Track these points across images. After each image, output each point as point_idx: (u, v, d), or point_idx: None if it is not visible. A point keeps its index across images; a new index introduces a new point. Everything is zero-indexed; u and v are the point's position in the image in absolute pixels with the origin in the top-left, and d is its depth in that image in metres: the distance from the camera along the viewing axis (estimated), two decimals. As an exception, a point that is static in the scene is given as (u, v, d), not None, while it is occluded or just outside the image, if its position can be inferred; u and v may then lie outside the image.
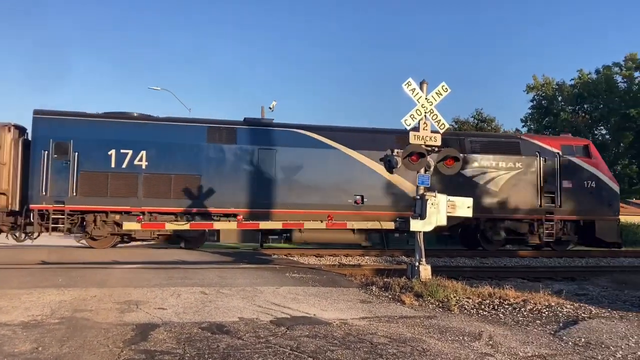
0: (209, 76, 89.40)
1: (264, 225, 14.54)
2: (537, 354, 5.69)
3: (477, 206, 18.33)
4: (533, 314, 7.82)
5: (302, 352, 5.35)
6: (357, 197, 17.97)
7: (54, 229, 16.21)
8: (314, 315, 7.25)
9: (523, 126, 43.23)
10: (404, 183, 17.87)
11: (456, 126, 40.48)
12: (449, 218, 18.20)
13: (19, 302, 7.51)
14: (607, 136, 39.18)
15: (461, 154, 18.40)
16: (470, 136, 20.77)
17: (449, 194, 18.30)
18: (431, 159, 10.64)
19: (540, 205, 19.17)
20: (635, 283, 10.92)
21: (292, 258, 15.71)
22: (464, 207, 10.45)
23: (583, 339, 6.32)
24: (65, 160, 16.40)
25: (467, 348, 5.79)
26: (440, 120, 10.76)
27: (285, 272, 11.63)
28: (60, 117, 17.04)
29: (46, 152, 16.31)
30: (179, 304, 7.61)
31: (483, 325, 6.99)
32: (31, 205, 16.14)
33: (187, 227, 13.04)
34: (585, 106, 40.47)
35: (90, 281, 9.54)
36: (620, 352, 5.80)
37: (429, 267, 10.23)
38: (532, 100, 42.95)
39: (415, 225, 10.24)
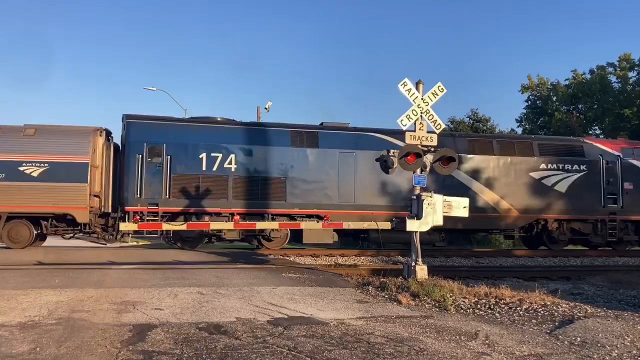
0: (206, 76, 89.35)
1: (260, 225, 14.56)
2: (533, 353, 5.73)
3: (545, 206, 19.40)
4: (529, 313, 7.86)
5: (299, 352, 5.36)
6: None
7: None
8: (311, 315, 7.27)
9: (518, 126, 43.33)
10: (477, 185, 18.91)
11: (452, 126, 40.54)
12: (517, 218, 18.87)
13: (16, 302, 7.50)
14: (602, 136, 39.24)
15: (530, 157, 19.46)
16: (538, 140, 21.25)
17: (520, 195, 19.26)
18: (427, 159, 10.67)
19: (604, 206, 19.69)
20: (630, 282, 10.98)
21: (288, 258, 15.72)
22: (460, 207, 10.48)
23: (579, 338, 6.36)
24: (159, 163, 16.89)
25: (464, 347, 5.82)
26: (436, 120, 10.80)
27: (282, 272, 11.64)
28: (152, 121, 17.65)
29: (140, 155, 16.80)
30: (176, 305, 7.62)
31: (479, 325, 7.02)
32: (127, 208, 16.58)
33: (184, 227, 13.01)
34: (580, 106, 40.56)
35: (86, 282, 9.53)
36: (616, 351, 5.85)
37: (425, 267, 10.27)
38: (526, 101, 43.07)
39: (412, 225, 10.28)
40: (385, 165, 10.89)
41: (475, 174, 19.00)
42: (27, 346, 5.36)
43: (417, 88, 10.70)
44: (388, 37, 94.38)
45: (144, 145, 16.90)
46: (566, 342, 6.21)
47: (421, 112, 10.62)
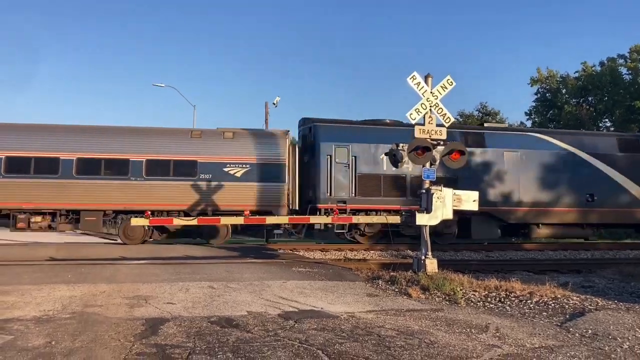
0: (209, 74, 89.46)
1: (270, 220, 14.62)
2: (544, 345, 5.73)
3: None
4: (539, 306, 7.85)
5: (310, 345, 5.40)
6: (587, 195, 19.64)
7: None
8: (322, 308, 7.31)
9: (527, 119, 43.09)
10: (627, 182, 19.82)
11: (461, 120, 40.40)
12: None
13: (30, 297, 7.60)
14: (612, 129, 38.95)
15: None
16: None
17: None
18: (436, 153, 10.65)
19: None
20: (642, 275, 10.92)
21: (298, 253, 15.78)
22: (469, 200, 10.49)
23: (590, 331, 6.36)
24: (345, 163, 18.06)
25: (475, 340, 5.84)
26: (445, 114, 10.78)
27: (292, 266, 11.70)
28: (337, 124, 18.90)
29: (329, 156, 17.97)
30: (188, 299, 7.69)
31: (490, 318, 7.03)
32: (319, 205, 17.67)
33: (194, 222, 13.09)
34: (590, 99, 40.22)
35: (99, 277, 9.63)
36: (628, 343, 5.84)
37: (435, 261, 10.28)
38: (536, 93, 42.73)
39: (421, 219, 10.29)
40: (394, 159, 10.90)
41: (625, 171, 19.90)
42: (43, 340, 5.43)
43: (426, 82, 10.68)
44: (391, 33, 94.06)
45: (332, 146, 18.04)
46: (577, 335, 6.20)
47: (430, 106, 10.60)
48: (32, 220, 16.58)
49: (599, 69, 39.88)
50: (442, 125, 10.82)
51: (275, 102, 31.50)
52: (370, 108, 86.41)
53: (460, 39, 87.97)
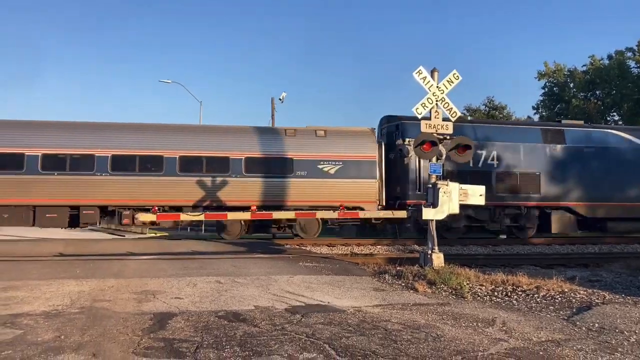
0: (215, 71, 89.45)
1: (276, 215, 14.67)
2: (550, 339, 5.73)
3: None
4: (546, 300, 7.85)
5: (317, 339, 5.43)
6: None
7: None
8: (328, 303, 7.33)
9: (535, 113, 42.88)
10: None
11: (467, 114, 40.27)
12: None
13: (39, 292, 7.66)
14: (620, 122, 38.68)
15: None
16: None
17: None
18: (442, 147, 10.63)
19: None
20: (650, 269, 10.88)
21: (304, 248, 15.80)
22: (476, 195, 10.47)
23: (597, 324, 6.35)
24: None
25: (481, 334, 5.84)
26: (452, 108, 10.76)
27: (299, 261, 11.73)
28: (422, 122, 18.94)
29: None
30: (195, 293, 7.73)
31: (496, 312, 7.03)
32: (407, 201, 18.06)
33: (201, 217, 13.16)
34: (598, 92, 39.96)
35: (107, 272, 9.70)
36: (635, 337, 5.83)
37: (441, 255, 10.29)
38: (543, 87, 42.50)
39: (427, 213, 10.28)
40: (400, 153, 10.88)
41: None
42: (52, 334, 5.49)
43: (432, 76, 10.66)
44: (398, 26, 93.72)
45: None
46: (584, 328, 6.20)
47: (436, 100, 10.58)
48: (136, 216, 16.94)
49: (606, 62, 39.57)
50: (448, 120, 10.80)
51: (281, 98, 31.56)
52: (373, 106, 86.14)
53: (462, 27, 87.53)
